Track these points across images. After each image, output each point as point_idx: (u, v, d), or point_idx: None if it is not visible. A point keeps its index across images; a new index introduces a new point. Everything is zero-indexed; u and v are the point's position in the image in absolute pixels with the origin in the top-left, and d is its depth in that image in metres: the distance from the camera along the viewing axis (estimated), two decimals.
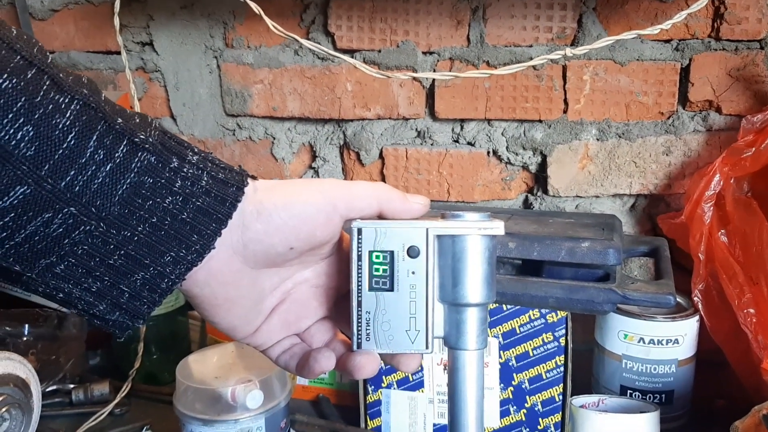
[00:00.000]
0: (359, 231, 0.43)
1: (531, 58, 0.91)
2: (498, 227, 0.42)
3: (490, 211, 0.91)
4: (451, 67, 0.94)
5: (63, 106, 0.34)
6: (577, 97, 0.91)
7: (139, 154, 0.37)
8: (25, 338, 0.90)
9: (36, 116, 0.33)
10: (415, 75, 0.76)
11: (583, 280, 0.75)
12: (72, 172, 0.34)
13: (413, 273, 0.43)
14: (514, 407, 0.79)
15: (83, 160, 0.35)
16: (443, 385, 0.80)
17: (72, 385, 0.91)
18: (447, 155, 0.97)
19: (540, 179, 0.95)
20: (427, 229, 0.43)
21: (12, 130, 0.32)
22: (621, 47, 0.88)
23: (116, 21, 0.93)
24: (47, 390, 0.89)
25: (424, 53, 0.95)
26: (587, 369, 0.88)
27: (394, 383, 0.82)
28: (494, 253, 0.44)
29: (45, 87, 0.34)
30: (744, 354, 0.79)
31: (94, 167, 0.35)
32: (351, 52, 0.97)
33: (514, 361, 0.78)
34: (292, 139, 1.03)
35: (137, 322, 0.41)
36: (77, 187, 0.35)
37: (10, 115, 0.32)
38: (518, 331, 0.77)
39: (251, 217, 0.41)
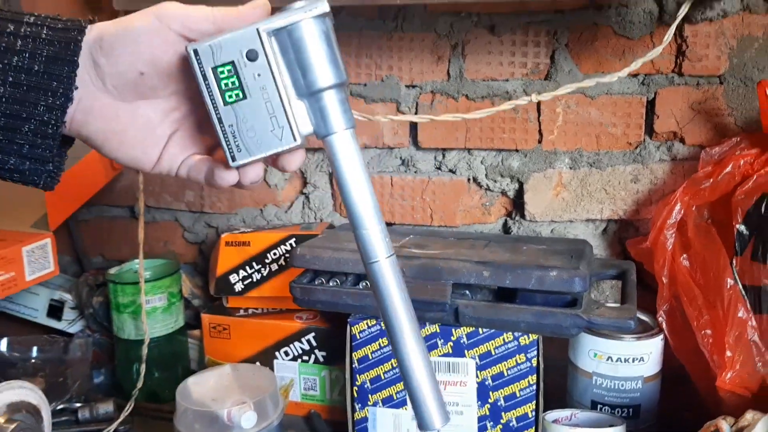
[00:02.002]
0: (195, 52, 0.45)
1: (507, 92, 0.96)
2: (323, 5, 0.44)
3: (471, 236, 0.98)
4: (433, 99, 1.00)
5: None
6: (551, 128, 0.97)
7: None
8: (33, 361, 0.96)
9: None
10: (393, 117, 0.82)
11: (552, 305, 0.80)
12: None
13: (259, 75, 0.45)
14: (491, 423, 0.85)
15: None
16: None
17: (78, 404, 0.97)
18: (430, 182, 1.03)
19: (518, 204, 1.01)
20: (257, 29, 0.44)
21: None
22: (594, 80, 0.93)
23: None
24: (55, 409, 0.94)
25: (407, 86, 1.01)
26: (563, 384, 0.94)
27: (380, 401, 0.88)
28: (330, 32, 0.45)
29: None
30: (704, 371, 0.85)
31: None
32: None
33: (490, 381, 0.84)
34: None
35: (47, 166, 0.48)
36: None
37: None
38: (493, 353, 0.83)
39: (97, 53, 0.46)
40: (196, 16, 0.46)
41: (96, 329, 1.09)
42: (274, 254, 0.97)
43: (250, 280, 0.98)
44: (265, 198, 1.11)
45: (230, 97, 0.45)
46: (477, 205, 1.02)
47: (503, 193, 1.01)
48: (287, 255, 0.96)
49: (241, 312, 1.00)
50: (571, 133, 0.96)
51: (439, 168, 1.03)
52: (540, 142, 0.98)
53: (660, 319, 0.89)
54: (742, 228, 0.84)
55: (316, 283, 0.87)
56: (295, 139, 0.46)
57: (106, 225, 1.20)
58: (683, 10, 0.85)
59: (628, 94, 0.94)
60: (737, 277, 0.84)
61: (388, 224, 1.06)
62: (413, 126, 1.01)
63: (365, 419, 0.89)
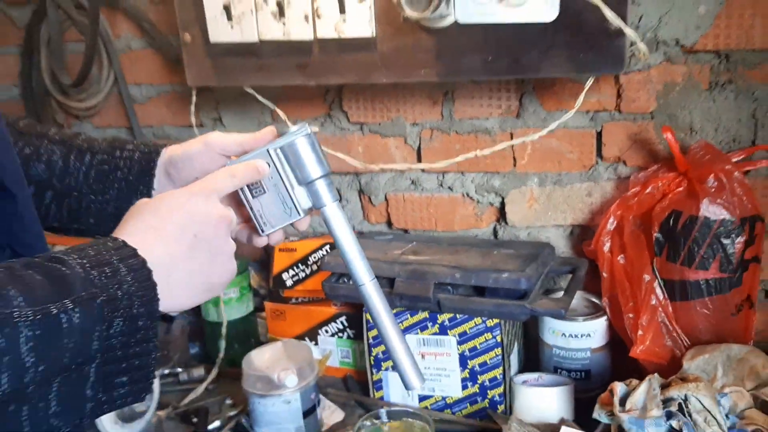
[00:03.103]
0: None
1: (487, 128, 1.24)
2: (309, 128, 0.68)
3: (462, 241, 1.26)
4: (431, 134, 1.28)
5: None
6: (523, 155, 1.23)
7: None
8: None
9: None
10: (392, 166, 1.11)
11: (509, 298, 1.08)
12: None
13: (272, 177, 0.69)
14: (471, 383, 1.15)
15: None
16: (425, 368, 1.16)
17: (179, 370, 1.33)
18: (433, 198, 1.31)
19: (502, 213, 1.29)
20: (267, 150, 0.69)
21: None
22: (552, 120, 1.18)
23: (192, 108, 1.33)
24: (162, 374, 1.31)
25: (411, 125, 1.29)
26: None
27: (390, 367, 1.19)
28: (315, 143, 0.69)
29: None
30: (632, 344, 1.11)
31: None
32: (360, 124, 1.33)
33: (467, 352, 1.13)
34: None
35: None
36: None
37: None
38: (468, 332, 1.12)
39: (168, 167, 0.75)
40: (229, 142, 0.74)
41: (190, 314, 1.45)
42: (314, 257, 1.29)
43: (297, 277, 1.31)
44: None
45: (256, 192, 0.70)
46: (471, 214, 1.31)
47: (491, 204, 1.29)
48: (322, 259, 1.28)
49: (293, 300, 1.33)
50: (538, 159, 1.23)
51: (440, 186, 1.32)
52: (515, 166, 1.24)
53: (604, 303, 1.15)
54: (659, 236, 1.09)
55: (340, 282, 1.18)
56: (299, 214, 0.71)
57: None
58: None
59: (581, 128, 1.19)
60: (657, 273, 1.09)
61: (403, 231, 1.36)
62: (419, 154, 1.30)
63: (381, 380, 1.21)
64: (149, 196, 0.76)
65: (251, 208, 0.71)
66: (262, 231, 0.72)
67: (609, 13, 0.91)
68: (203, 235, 0.61)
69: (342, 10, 1.08)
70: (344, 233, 0.71)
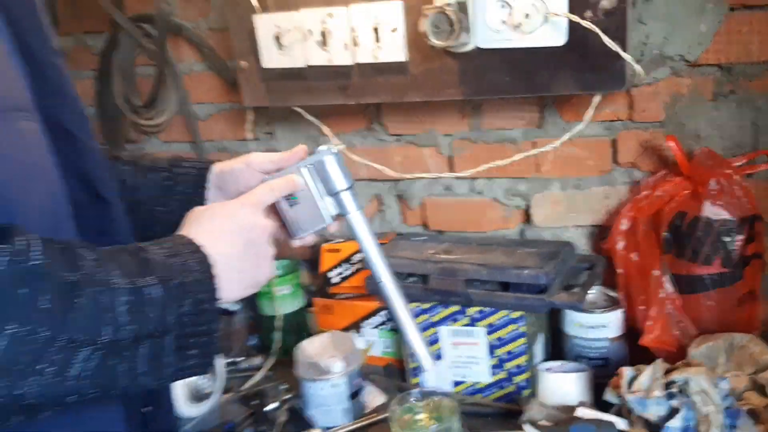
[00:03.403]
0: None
1: (513, 138, 1.36)
2: (336, 148, 0.81)
3: (490, 240, 1.39)
4: (462, 144, 1.41)
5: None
6: (545, 162, 1.35)
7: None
8: None
9: None
10: (425, 176, 1.25)
11: (531, 292, 1.21)
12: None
13: (303, 190, 0.81)
14: (499, 370, 1.27)
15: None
16: (457, 356, 1.29)
17: (240, 358, 1.50)
18: (465, 202, 1.44)
19: (528, 215, 1.41)
20: (299, 168, 0.81)
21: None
22: (570, 130, 1.30)
23: (248, 126, 1.49)
24: (226, 362, 1.47)
25: (443, 135, 1.42)
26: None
27: None
28: (342, 160, 0.81)
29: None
30: None
31: None
32: (398, 136, 1.47)
33: (496, 342, 1.26)
34: (365, 193, 1.54)
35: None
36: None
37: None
38: (495, 323, 1.25)
39: (217, 181, 0.89)
40: (266, 161, 0.87)
41: (248, 309, 1.61)
42: (357, 257, 1.44)
43: (342, 275, 1.45)
44: None
45: (290, 204, 0.83)
46: (500, 217, 1.43)
47: (517, 207, 1.41)
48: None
49: (339, 296, 1.48)
50: (560, 165, 1.34)
51: (471, 191, 1.44)
52: (538, 172, 1.36)
53: (620, 297, 1.27)
54: (668, 235, 1.19)
55: None
56: (327, 220, 0.84)
57: None
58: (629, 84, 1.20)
59: (598, 136, 1.30)
60: (667, 268, 1.20)
61: (439, 233, 1.49)
62: (451, 163, 1.43)
63: (417, 368, 1.34)
64: (203, 204, 0.89)
65: (287, 216, 0.84)
66: (296, 235, 0.85)
67: (607, 40, 1.03)
68: (251, 241, 0.75)
69: (377, 39, 1.22)
70: (366, 237, 0.83)
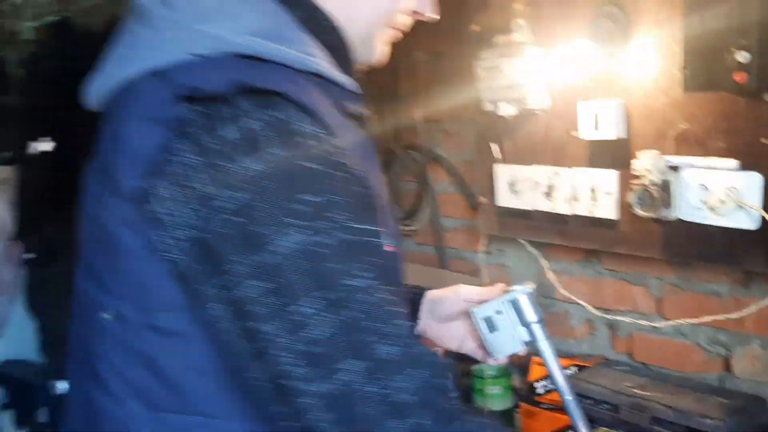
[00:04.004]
0: (474, 312, 1.00)
1: (718, 292, 1.47)
2: (529, 288, 0.97)
3: (685, 383, 1.50)
4: (670, 289, 1.55)
5: None
6: (749, 319, 1.45)
7: None
8: None
9: None
10: (628, 319, 1.43)
11: None
12: None
13: (502, 320, 0.98)
14: None
15: None
16: None
17: None
18: (669, 341, 1.57)
19: (728, 364, 1.49)
20: (499, 301, 0.98)
21: None
22: None
23: (481, 247, 1.77)
24: None
25: (655, 278, 1.57)
26: None
27: None
28: (533, 298, 0.97)
29: None
30: None
31: None
32: (612, 271, 1.64)
33: None
34: (579, 316, 1.73)
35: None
36: None
37: None
38: None
39: (430, 306, 1.10)
40: (472, 294, 1.06)
41: (464, 402, 1.87)
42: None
43: (547, 388, 1.66)
44: (564, 331, 1.76)
45: (490, 330, 1.00)
46: (701, 361, 1.54)
47: (719, 355, 1.51)
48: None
49: (543, 405, 1.68)
50: (763, 324, 1.42)
51: (676, 332, 1.57)
52: (740, 327, 1.46)
53: None
54: None
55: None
56: (519, 346, 1.00)
57: None
58: None
59: None
60: None
61: (643, 364, 1.63)
62: (659, 304, 1.58)
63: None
64: (415, 325, 1.13)
65: (486, 339, 1.02)
66: (493, 356, 1.04)
67: None
68: None
69: (594, 198, 1.44)
70: (552, 363, 0.99)
